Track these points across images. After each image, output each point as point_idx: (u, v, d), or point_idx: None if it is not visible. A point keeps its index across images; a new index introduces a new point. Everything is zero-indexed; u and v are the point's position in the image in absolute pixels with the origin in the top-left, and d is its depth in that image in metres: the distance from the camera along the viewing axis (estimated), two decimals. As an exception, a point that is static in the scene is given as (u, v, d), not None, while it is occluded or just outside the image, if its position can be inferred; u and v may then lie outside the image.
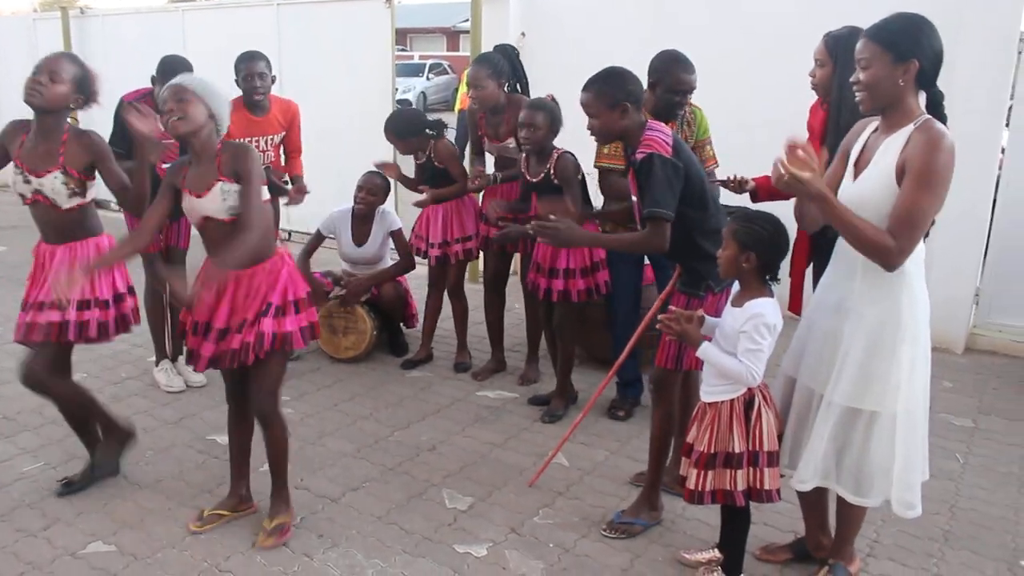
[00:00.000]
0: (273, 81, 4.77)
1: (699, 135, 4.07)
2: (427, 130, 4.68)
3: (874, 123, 2.63)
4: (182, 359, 4.68)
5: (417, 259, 5.06)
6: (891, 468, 2.60)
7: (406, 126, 4.72)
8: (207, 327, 3.05)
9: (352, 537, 3.22)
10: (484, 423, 4.26)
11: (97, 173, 3.30)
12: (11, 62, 11.11)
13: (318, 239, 5.16)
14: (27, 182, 3.22)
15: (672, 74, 3.77)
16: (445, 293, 5.01)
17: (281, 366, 3.13)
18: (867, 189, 2.50)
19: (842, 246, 2.63)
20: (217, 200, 2.95)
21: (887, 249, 2.38)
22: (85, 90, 3.26)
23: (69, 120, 3.35)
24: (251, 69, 4.68)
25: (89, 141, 3.25)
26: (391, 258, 5.29)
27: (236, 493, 3.34)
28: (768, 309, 2.63)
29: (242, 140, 4.62)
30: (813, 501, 2.95)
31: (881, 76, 2.43)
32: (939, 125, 2.43)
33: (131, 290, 3.49)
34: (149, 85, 4.46)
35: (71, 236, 3.33)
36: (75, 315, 3.26)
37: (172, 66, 4.28)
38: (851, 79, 2.50)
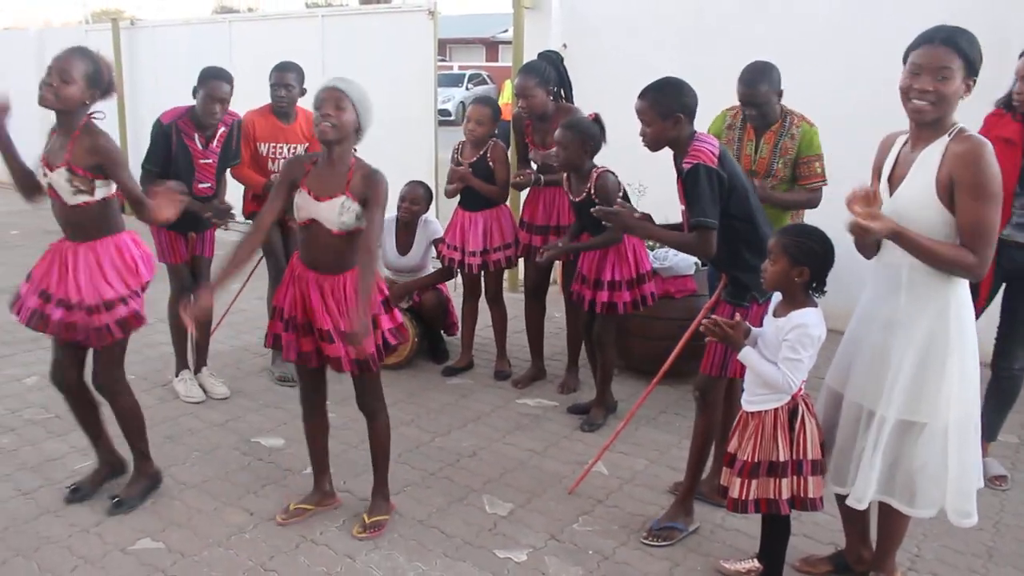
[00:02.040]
0: (303, 94, 4.80)
1: (802, 151, 3.96)
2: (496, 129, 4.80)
3: (903, 137, 2.63)
4: (205, 370, 4.77)
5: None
6: (944, 478, 2.60)
7: (497, 109, 4.84)
8: (304, 326, 3.13)
9: (394, 540, 3.26)
10: (524, 430, 4.28)
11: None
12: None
13: None
14: (44, 175, 3.21)
15: (739, 85, 3.86)
16: (481, 301, 5.05)
17: (377, 370, 3.24)
18: (906, 205, 2.49)
19: (884, 261, 2.63)
20: (334, 212, 3.00)
21: (969, 264, 2.43)
22: (99, 84, 3.17)
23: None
24: (279, 79, 4.76)
25: (96, 144, 3.14)
26: (433, 266, 5.35)
27: (320, 489, 3.44)
28: (813, 320, 2.63)
29: (267, 144, 4.74)
30: (855, 513, 2.93)
31: (956, 89, 2.41)
32: (973, 133, 2.44)
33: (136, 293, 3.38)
34: (188, 104, 4.41)
35: (86, 235, 3.25)
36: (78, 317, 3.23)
37: (215, 70, 4.38)
38: (916, 86, 2.42)
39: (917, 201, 2.48)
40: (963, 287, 2.55)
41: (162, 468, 3.61)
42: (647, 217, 3.37)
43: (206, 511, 3.45)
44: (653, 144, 3.19)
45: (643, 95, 3.16)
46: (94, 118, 3.21)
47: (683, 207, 3.18)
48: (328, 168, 3.06)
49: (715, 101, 5.64)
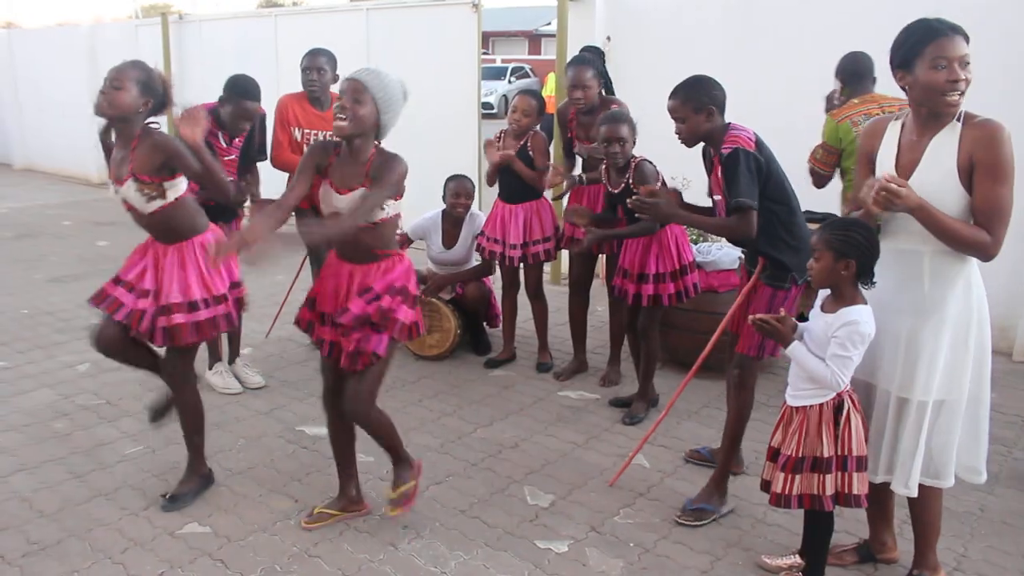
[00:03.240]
0: (335, 80, 4.78)
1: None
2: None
3: (895, 123, 2.65)
4: (239, 361, 4.82)
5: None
6: (955, 444, 2.68)
7: (542, 102, 4.84)
8: (329, 317, 3.09)
9: (436, 529, 3.29)
10: (566, 423, 4.29)
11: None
12: (115, 66, 11.61)
13: (405, 241, 5.27)
14: (116, 192, 3.29)
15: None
16: (521, 294, 5.06)
17: (380, 370, 3.09)
18: (927, 191, 2.47)
19: (900, 248, 2.63)
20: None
21: (985, 244, 2.47)
22: (153, 93, 3.20)
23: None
24: (311, 63, 4.77)
25: (155, 142, 3.16)
26: (476, 260, 5.37)
27: (345, 494, 3.37)
28: (864, 317, 2.60)
29: (302, 130, 4.75)
30: (877, 501, 2.92)
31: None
32: (987, 118, 2.47)
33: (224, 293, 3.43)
34: (213, 101, 4.43)
35: (172, 237, 3.31)
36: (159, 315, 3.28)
37: (242, 87, 4.34)
38: (952, 78, 2.42)
39: (938, 186, 2.49)
40: (976, 267, 2.60)
41: (209, 455, 3.67)
42: (677, 195, 3.41)
43: (252, 497, 3.51)
44: (689, 139, 3.30)
45: (674, 94, 3.28)
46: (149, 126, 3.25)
47: (717, 197, 3.28)
48: (349, 161, 2.99)
49: (760, 91, 5.64)
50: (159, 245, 3.33)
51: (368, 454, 3.67)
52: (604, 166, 4.24)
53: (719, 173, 3.21)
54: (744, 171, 3.09)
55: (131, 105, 3.14)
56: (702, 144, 3.36)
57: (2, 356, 5.16)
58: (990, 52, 4.95)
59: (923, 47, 2.44)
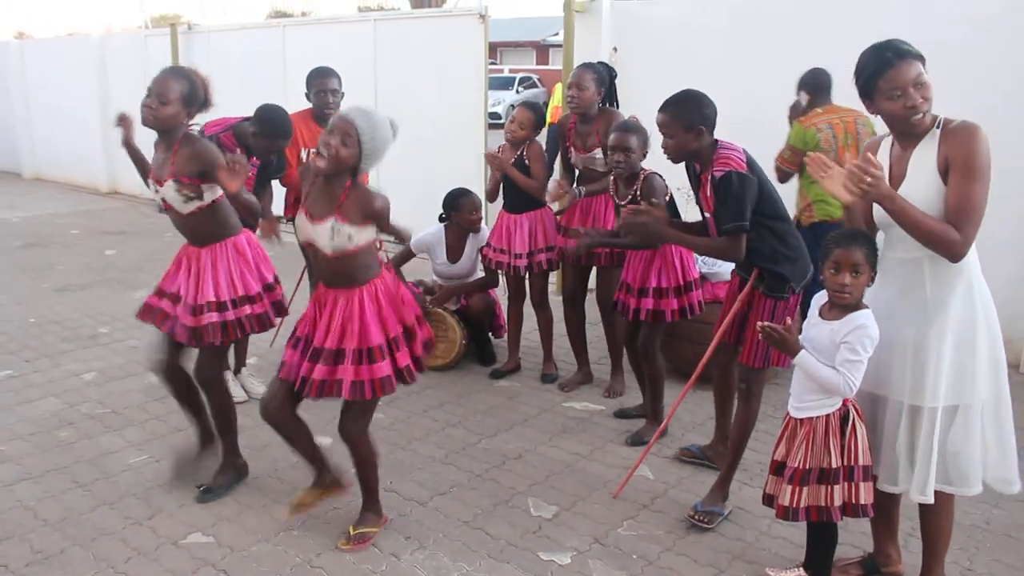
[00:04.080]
0: (342, 97, 4.85)
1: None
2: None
3: (887, 140, 2.71)
4: (245, 370, 4.84)
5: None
6: (984, 453, 2.65)
7: (543, 116, 4.84)
8: (307, 342, 3.11)
9: (439, 540, 3.28)
10: (570, 434, 4.28)
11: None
12: (126, 76, 11.71)
13: (408, 255, 5.27)
14: (156, 191, 3.40)
15: None
16: (526, 304, 5.05)
17: (373, 401, 3.13)
18: (915, 199, 2.50)
19: (899, 256, 2.64)
20: (326, 235, 2.97)
21: (952, 241, 2.46)
22: (195, 101, 3.34)
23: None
24: (324, 85, 4.79)
25: (195, 150, 3.28)
26: (481, 271, 5.37)
27: (322, 479, 3.36)
28: (871, 321, 2.61)
29: (308, 150, 4.77)
30: (882, 513, 2.89)
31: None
32: (963, 120, 2.51)
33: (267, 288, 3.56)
34: (235, 117, 4.45)
35: (207, 239, 3.43)
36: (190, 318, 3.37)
37: (281, 128, 4.33)
38: (909, 104, 2.49)
39: (922, 192, 2.51)
40: (977, 268, 2.60)
41: (211, 466, 3.67)
42: (669, 207, 3.44)
43: (256, 507, 3.51)
44: (675, 156, 3.31)
45: (664, 108, 3.27)
46: (190, 129, 3.38)
47: (708, 215, 3.31)
48: (323, 190, 3.03)
49: (768, 104, 5.64)
50: (191, 248, 3.45)
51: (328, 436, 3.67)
52: (612, 177, 4.22)
53: (708, 192, 3.23)
54: (738, 194, 3.12)
55: (176, 117, 3.29)
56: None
57: (9, 365, 5.17)
58: (997, 55, 4.96)
59: (876, 81, 2.52)
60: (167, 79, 3.28)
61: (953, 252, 2.48)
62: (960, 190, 2.46)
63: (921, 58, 2.51)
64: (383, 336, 3.05)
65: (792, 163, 4.77)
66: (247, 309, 3.45)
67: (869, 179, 2.40)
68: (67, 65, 12.70)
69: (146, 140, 3.35)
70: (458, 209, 5.13)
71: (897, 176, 2.61)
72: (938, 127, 2.53)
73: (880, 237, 2.71)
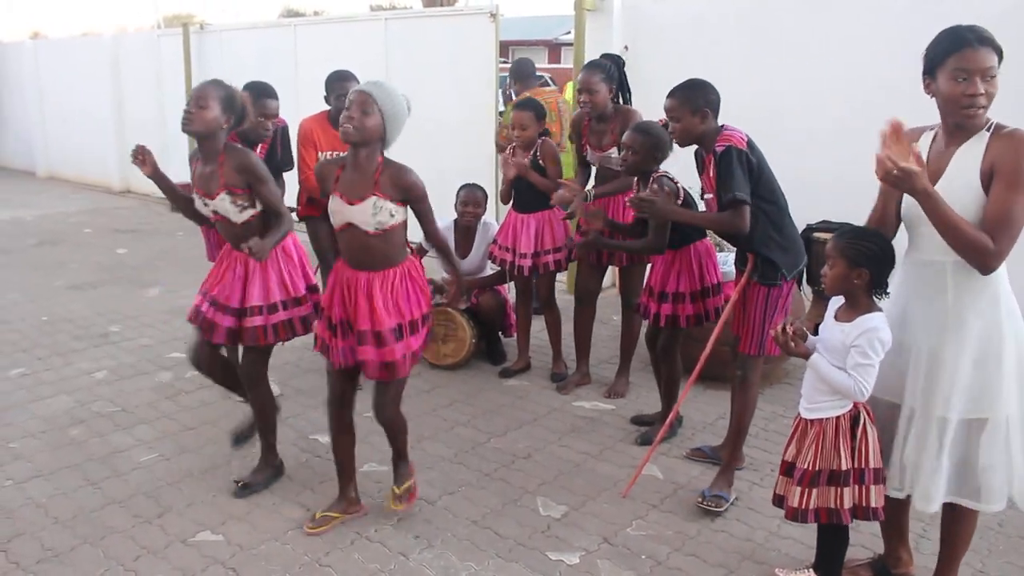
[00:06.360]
0: None
1: None
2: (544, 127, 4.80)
3: (928, 133, 2.60)
4: None
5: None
6: (1008, 467, 2.56)
7: (541, 109, 4.82)
8: (343, 325, 3.18)
9: (447, 539, 3.28)
10: (580, 433, 4.27)
11: None
12: (138, 77, 11.76)
13: (420, 252, 5.25)
14: (205, 204, 3.42)
15: None
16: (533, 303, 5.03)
17: (403, 379, 3.25)
18: (951, 200, 2.40)
19: (922, 258, 2.58)
20: (368, 213, 3.05)
21: (987, 250, 2.36)
22: (234, 109, 3.37)
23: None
24: (345, 89, 4.78)
25: (241, 163, 3.33)
26: (490, 269, 5.36)
27: (346, 496, 3.41)
28: (883, 324, 2.57)
29: (325, 153, 4.77)
30: (893, 516, 2.87)
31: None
32: (1017, 127, 2.41)
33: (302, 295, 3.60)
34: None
35: None
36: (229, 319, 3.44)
37: (260, 85, 4.43)
38: (970, 92, 2.37)
39: (960, 195, 2.41)
40: (1005, 279, 2.51)
41: (223, 464, 3.69)
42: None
43: (265, 506, 3.52)
44: (682, 139, 3.45)
45: (672, 94, 3.42)
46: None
47: (708, 196, 3.41)
48: (356, 171, 3.09)
49: (779, 95, 5.62)
50: (238, 252, 3.45)
51: (384, 463, 3.69)
52: (636, 179, 4.17)
53: (711, 171, 3.33)
54: (736, 168, 3.22)
55: (215, 122, 3.31)
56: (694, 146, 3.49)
57: (21, 363, 5.20)
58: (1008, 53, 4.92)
59: (946, 57, 2.39)
60: (206, 86, 3.35)
61: (985, 263, 2.39)
62: (1003, 200, 2.35)
63: (1000, 53, 2.38)
64: (420, 311, 3.22)
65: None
66: (299, 311, 3.53)
67: (896, 171, 2.28)
68: (80, 65, 12.77)
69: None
70: (456, 200, 5.14)
71: (934, 173, 2.47)
72: (988, 130, 2.42)
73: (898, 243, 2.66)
